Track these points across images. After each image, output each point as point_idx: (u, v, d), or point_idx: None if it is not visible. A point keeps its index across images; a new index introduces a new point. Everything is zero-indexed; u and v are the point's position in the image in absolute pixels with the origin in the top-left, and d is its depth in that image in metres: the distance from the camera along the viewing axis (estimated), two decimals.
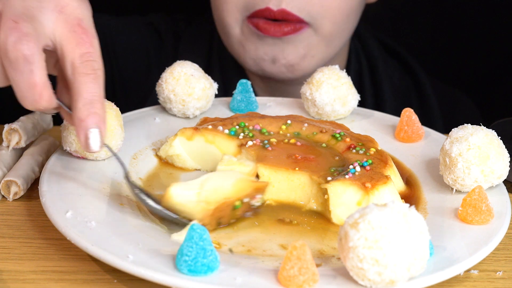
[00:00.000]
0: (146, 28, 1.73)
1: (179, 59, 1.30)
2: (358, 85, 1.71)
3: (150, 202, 1.05)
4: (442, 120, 1.79)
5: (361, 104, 1.37)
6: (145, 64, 1.71)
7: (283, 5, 1.48)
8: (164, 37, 1.73)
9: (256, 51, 1.54)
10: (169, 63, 1.31)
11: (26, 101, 0.99)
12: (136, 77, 1.72)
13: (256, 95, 1.54)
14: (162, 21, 1.75)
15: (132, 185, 1.07)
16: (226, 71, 1.68)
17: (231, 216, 1.06)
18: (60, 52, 1.00)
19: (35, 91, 0.97)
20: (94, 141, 0.99)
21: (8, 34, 0.97)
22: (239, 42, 1.55)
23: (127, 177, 1.07)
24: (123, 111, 1.21)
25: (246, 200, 1.06)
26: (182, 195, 1.03)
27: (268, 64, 1.55)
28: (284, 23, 1.50)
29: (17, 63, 0.96)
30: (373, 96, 1.75)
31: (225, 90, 1.56)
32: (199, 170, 1.20)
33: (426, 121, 1.32)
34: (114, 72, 1.70)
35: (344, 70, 1.33)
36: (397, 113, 1.32)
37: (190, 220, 1.02)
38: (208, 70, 1.59)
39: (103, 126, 0.99)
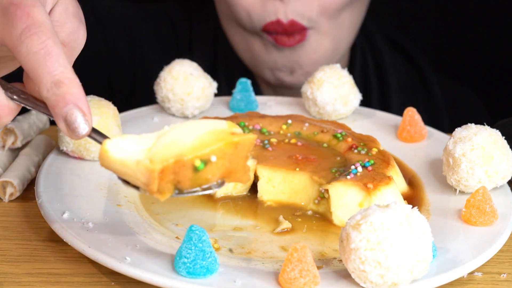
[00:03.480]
0: (159, 16, 1.74)
1: (192, 49, 1.31)
2: (364, 80, 1.71)
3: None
4: (448, 116, 1.79)
5: (366, 99, 1.37)
6: (162, 52, 1.72)
7: (290, 16, 1.50)
8: (180, 25, 1.75)
9: (275, 63, 1.57)
10: (184, 53, 1.32)
11: None
12: (155, 66, 1.72)
13: (260, 94, 1.56)
14: (177, 9, 1.76)
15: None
16: (231, 69, 1.69)
17: (195, 181, 0.83)
18: (2, 43, 0.83)
19: None
20: (78, 124, 0.81)
21: None
22: (258, 54, 1.58)
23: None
24: (143, 98, 1.18)
25: (213, 159, 0.82)
26: (121, 151, 0.81)
27: (286, 75, 1.58)
28: (292, 34, 1.53)
29: None
30: (378, 91, 1.75)
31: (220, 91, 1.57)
32: None
33: (431, 117, 1.32)
34: (136, 59, 1.70)
35: (348, 66, 1.32)
36: (403, 109, 1.31)
37: (136, 186, 0.83)
38: (214, 63, 1.65)
39: (83, 104, 0.81)
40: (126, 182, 0.84)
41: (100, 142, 0.84)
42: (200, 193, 0.84)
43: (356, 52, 1.73)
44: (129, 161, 0.80)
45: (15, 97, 0.84)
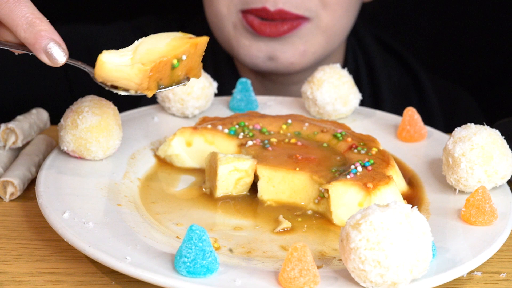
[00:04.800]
0: (133, 32, 1.71)
1: None
2: (356, 84, 1.70)
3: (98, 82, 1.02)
4: (442, 118, 1.78)
5: (359, 103, 1.36)
6: None
7: (280, 5, 1.46)
8: None
9: (250, 48, 1.52)
10: None
11: None
12: None
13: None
14: (152, 24, 1.73)
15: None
16: (220, 71, 1.67)
17: (171, 77, 1.02)
18: None
19: None
20: (57, 53, 0.97)
21: None
22: (233, 37, 1.53)
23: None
24: (144, 98, 1.19)
25: (184, 57, 1.02)
26: (115, 61, 0.99)
27: (263, 62, 1.53)
28: (280, 22, 1.48)
29: None
30: (371, 95, 1.74)
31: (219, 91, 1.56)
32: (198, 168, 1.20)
33: (426, 119, 1.32)
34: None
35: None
36: (396, 112, 1.31)
37: (128, 90, 1.00)
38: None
39: (56, 36, 0.97)
40: (114, 88, 1.00)
41: (78, 66, 1.02)
42: (174, 86, 1.03)
43: (348, 55, 1.72)
44: (123, 67, 0.98)
45: None
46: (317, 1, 1.49)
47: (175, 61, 1.01)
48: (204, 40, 1.04)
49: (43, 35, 0.96)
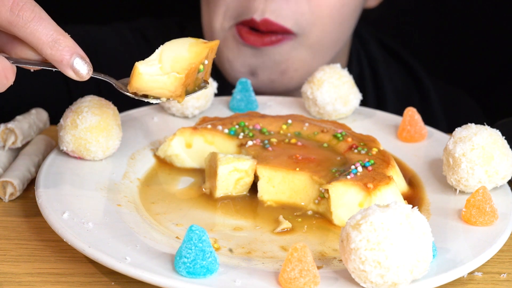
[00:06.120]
0: (132, 33, 1.70)
1: None
2: (360, 88, 1.70)
3: (126, 93, 1.04)
4: (445, 122, 1.78)
5: (363, 106, 1.36)
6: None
7: (266, 15, 1.44)
8: (153, 41, 1.71)
9: (233, 63, 1.51)
10: None
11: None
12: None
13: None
14: (151, 26, 1.73)
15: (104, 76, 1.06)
16: (220, 72, 1.67)
17: (195, 83, 1.05)
18: None
19: (1, 78, 0.96)
20: (82, 68, 0.99)
21: None
22: (219, 51, 1.51)
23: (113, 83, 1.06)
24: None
25: (206, 62, 1.05)
26: (149, 71, 1.01)
27: (246, 77, 1.51)
28: (267, 34, 1.46)
29: None
30: (375, 99, 1.74)
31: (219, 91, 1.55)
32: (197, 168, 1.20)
33: (428, 123, 1.32)
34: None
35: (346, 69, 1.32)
36: (399, 115, 1.31)
37: (159, 98, 1.03)
38: None
39: (80, 51, 0.99)
40: (145, 97, 1.03)
41: (102, 79, 1.04)
42: (199, 91, 1.06)
43: (353, 59, 1.72)
44: (159, 77, 1.01)
45: (11, 61, 0.99)
46: (309, 15, 1.46)
47: (201, 66, 1.04)
48: (216, 43, 1.06)
49: (68, 51, 0.98)
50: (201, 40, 1.06)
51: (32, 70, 1.01)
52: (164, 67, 1.01)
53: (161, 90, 1.02)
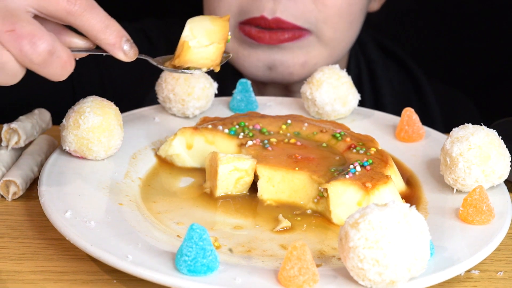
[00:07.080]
0: (136, 34, 1.70)
1: None
2: (358, 89, 1.70)
3: (164, 68, 1.11)
4: (442, 122, 1.79)
5: (359, 104, 1.36)
6: (137, 71, 1.70)
7: (277, 14, 1.45)
8: (156, 42, 1.71)
9: (249, 58, 1.51)
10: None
11: (60, 77, 0.99)
12: (127, 86, 1.70)
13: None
14: (154, 26, 1.73)
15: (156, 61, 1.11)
16: (220, 72, 1.67)
17: (221, 55, 1.11)
18: (45, 12, 1.00)
19: (66, 66, 0.98)
20: (130, 50, 1.04)
21: (17, 46, 0.94)
22: (231, 49, 1.52)
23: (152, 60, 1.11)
24: (144, 98, 1.20)
25: (229, 34, 1.12)
26: (194, 44, 1.08)
27: (262, 71, 1.52)
28: (279, 31, 1.47)
29: (45, 62, 0.96)
30: (373, 101, 1.74)
31: (220, 91, 1.56)
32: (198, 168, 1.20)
33: (426, 124, 1.32)
34: (105, 82, 1.68)
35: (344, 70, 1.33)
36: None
37: (200, 68, 1.10)
38: None
39: (126, 34, 1.04)
40: (186, 69, 1.10)
41: (140, 56, 1.08)
42: (224, 61, 1.12)
43: (351, 61, 1.72)
44: (204, 48, 1.08)
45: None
46: (317, 14, 1.47)
47: (229, 37, 1.11)
48: (227, 17, 1.13)
49: (118, 35, 1.03)
50: (214, 16, 1.12)
51: (77, 58, 1.03)
52: (201, 41, 1.08)
53: (205, 61, 1.09)
